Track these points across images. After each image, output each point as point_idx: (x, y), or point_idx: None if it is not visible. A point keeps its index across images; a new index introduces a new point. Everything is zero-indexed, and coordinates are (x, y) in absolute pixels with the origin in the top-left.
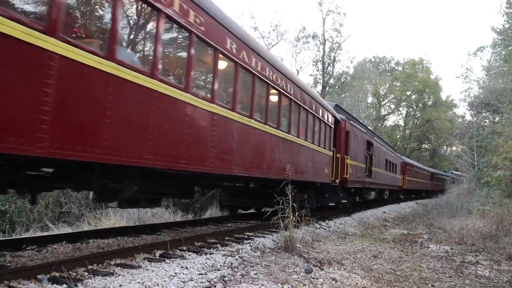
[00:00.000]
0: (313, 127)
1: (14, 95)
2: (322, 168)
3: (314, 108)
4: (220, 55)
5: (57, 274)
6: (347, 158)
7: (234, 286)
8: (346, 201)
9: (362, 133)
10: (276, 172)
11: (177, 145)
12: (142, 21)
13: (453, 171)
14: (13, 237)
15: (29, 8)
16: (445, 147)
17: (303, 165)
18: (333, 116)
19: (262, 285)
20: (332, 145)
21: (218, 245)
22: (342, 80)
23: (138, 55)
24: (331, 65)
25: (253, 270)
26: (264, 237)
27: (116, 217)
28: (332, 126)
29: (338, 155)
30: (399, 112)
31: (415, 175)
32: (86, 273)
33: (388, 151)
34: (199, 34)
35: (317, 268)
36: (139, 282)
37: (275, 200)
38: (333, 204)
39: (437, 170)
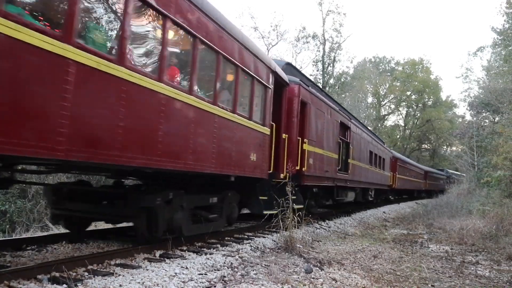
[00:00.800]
0: (216, 77)
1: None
2: (243, 152)
3: (221, 45)
4: None
5: (57, 274)
6: (304, 142)
7: (234, 286)
8: (302, 206)
9: (330, 109)
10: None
11: None
12: None
13: (448, 170)
14: (13, 237)
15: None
16: (445, 147)
17: (187, 143)
18: (272, 70)
19: (262, 285)
20: (270, 118)
21: (218, 245)
22: (342, 80)
23: None
24: (331, 65)
25: (253, 270)
26: (264, 237)
27: None
28: (271, 87)
29: (285, 135)
30: (399, 112)
31: (407, 173)
32: (86, 273)
33: (374, 141)
34: None
35: (317, 268)
36: (139, 282)
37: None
38: (273, 212)
39: (431, 168)
